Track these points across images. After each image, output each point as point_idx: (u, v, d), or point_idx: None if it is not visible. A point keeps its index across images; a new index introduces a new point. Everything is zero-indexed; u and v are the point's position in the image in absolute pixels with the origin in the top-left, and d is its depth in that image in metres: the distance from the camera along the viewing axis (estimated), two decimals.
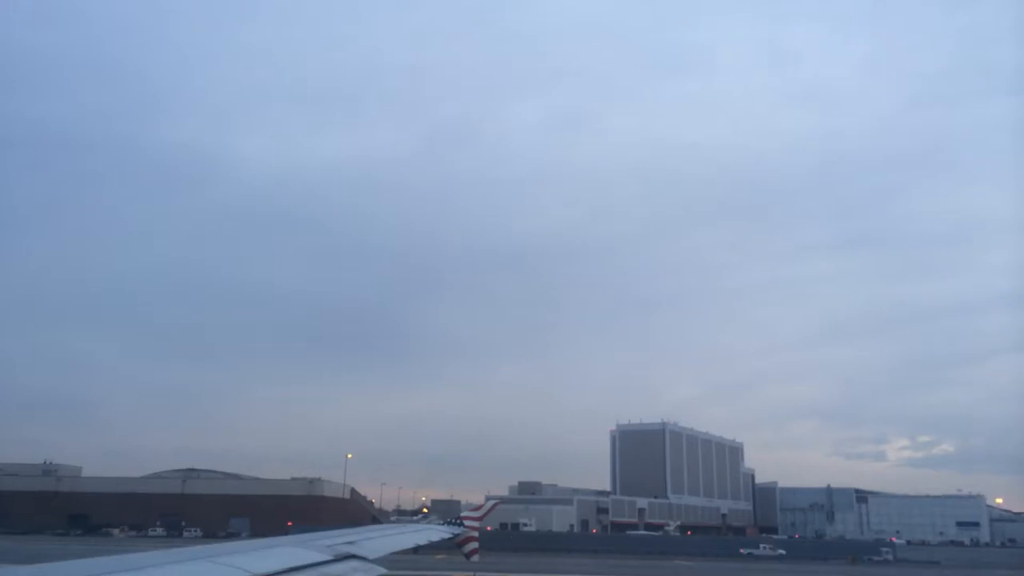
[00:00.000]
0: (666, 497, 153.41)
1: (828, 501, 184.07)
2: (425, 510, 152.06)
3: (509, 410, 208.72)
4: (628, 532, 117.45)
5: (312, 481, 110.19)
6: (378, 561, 7.71)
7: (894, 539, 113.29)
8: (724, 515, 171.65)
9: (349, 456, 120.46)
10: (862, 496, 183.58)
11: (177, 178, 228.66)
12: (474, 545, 15.65)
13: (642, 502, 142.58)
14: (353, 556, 7.51)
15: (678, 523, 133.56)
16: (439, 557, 51.17)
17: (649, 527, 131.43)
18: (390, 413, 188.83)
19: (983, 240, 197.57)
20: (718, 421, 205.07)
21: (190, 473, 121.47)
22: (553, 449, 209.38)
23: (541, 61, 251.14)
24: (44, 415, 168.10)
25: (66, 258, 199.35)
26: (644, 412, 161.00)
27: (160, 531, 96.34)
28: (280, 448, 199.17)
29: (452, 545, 15.50)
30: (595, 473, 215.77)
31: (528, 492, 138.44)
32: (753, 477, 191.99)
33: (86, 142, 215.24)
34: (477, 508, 18.02)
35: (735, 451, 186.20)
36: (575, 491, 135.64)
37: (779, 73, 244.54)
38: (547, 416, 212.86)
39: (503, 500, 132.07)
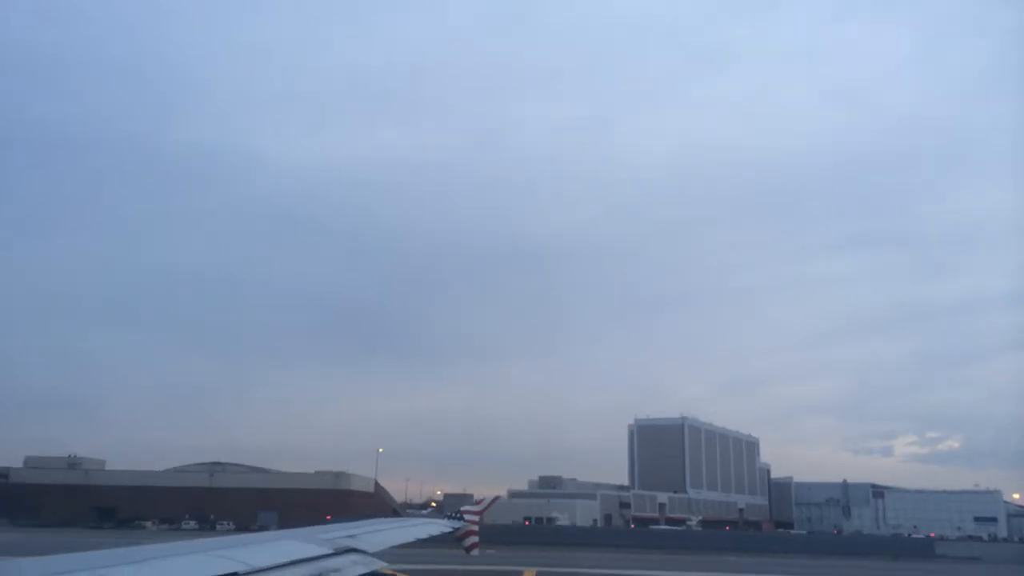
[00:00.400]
0: (685, 492, 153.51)
1: (844, 496, 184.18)
2: (433, 504, 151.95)
3: (523, 406, 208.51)
4: (652, 527, 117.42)
5: (339, 475, 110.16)
6: (378, 555, 7.73)
7: (933, 535, 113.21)
8: (741, 510, 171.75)
9: (380, 451, 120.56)
10: (878, 491, 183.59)
11: (192, 176, 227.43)
12: (474, 539, 15.63)
13: (662, 497, 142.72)
14: (353, 550, 7.52)
15: (700, 518, 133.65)
16: (439, 551, 51.09)
17: (670, 522, 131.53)
18: (407, 410, 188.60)
19: (999, 239, 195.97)
20: (726, 418, 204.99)
21: (215, 467, 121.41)
22: (566, 444, 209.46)
23: (552, 61, 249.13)
24: (56, 412, 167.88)
25: (77, 256, 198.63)
26: (652, 408, 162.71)
27: (193, 524, 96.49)
28: (297, 444, 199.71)
29: (453, 539, 15.41)
30: (607, 468, 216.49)
31: (549, 486, 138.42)
32: (769, 472, 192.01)
33: (87, 141, 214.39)
34: (478, 502, 17.99)
35: (751, 446, 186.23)
36: (598, 486, 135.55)
37: (793, 73, 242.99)
38: (560, 412, 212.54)
39: (525, 495, 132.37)
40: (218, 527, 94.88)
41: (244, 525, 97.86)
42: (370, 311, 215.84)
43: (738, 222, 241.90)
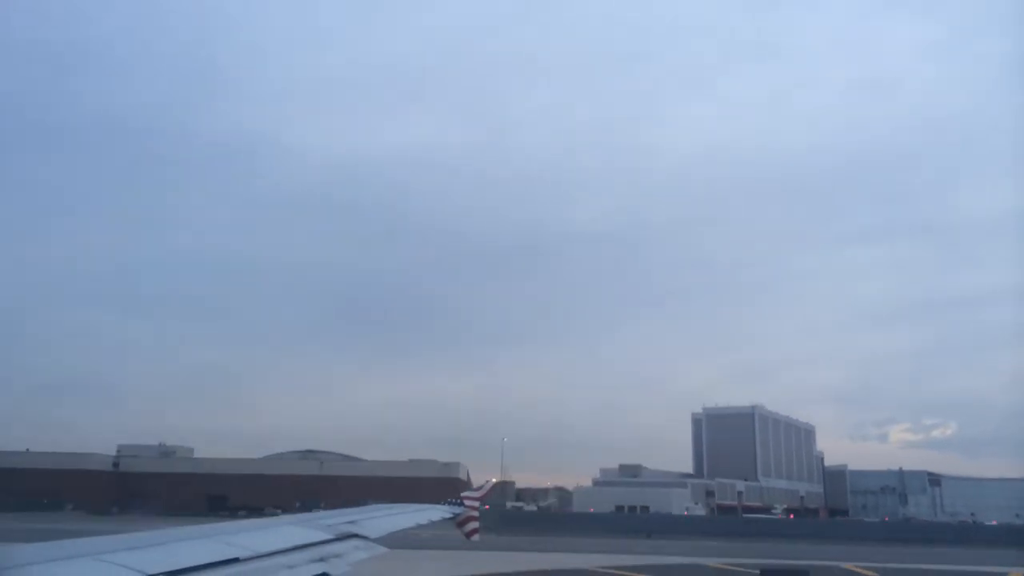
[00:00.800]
0: (756, 480, 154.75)
1: (900, 484, 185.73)
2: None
3: (565, 396, 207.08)
4: (746, 515, 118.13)
5: (447, 464, 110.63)
6: (379, 540, 7.83)
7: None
8: (802, 497, 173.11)
9: (505, 440, 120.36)
10: (934, 479, 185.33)
11: (228, 163, 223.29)
12: (474, 525, 15.73)
13: (740, 485, 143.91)
14: (355, 535, 7.62)
15: (784, 506, 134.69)
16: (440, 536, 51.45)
17: (747, 510, 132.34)
18: (422, 399, 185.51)
19: (1003, 233, 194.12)
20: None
21: (308, 454, 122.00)
22: (613, 433, 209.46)
23: (574, 57, 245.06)
24: (80, 399, 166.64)
25: (89, 242, 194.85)
26: (666, 396, 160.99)
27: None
28: (352, 431, 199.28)
29: (453, 524, 15.68)
30: (658, 455, 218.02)
31: (629, 474, 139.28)
32: (822, 459, 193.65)
33: (137, 129, 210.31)
34: (478, 488, 18.28)
35: (808, 433, 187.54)
36: (684, 475, 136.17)
37: (800, 72, 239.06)
38: (604, 402, 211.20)
39: (614, 483, 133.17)
40: None
41: None
42: (391, 297, 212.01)
43: (744, 218, 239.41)
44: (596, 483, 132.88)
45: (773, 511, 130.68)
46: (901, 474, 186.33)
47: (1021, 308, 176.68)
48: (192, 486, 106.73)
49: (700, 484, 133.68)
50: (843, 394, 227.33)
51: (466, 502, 15.80)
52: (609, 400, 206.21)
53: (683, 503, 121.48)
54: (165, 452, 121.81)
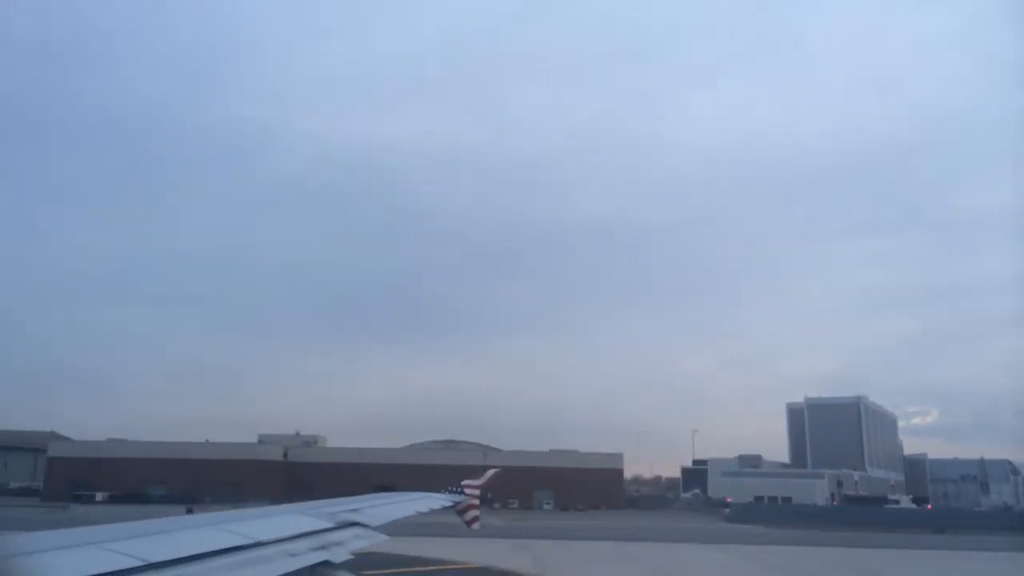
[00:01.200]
0: (864, 470, 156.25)
1: (982, 472, 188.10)
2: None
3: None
4: (887, 506, 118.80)
5: (611, 455, 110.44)
6: (380, 528, 7.92)
7: None
8: (892, 486, 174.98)
9: (696, 431, 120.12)
10: (1014, 468, 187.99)
11: (228, 161, 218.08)
12: (475, 513, 15.87)
13: (855, 475, 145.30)
14: (356, 523, 7.70)
15: (910, 496, 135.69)
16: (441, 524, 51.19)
17: (862, 500, 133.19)
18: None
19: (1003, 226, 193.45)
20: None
21: (450, 444, 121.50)
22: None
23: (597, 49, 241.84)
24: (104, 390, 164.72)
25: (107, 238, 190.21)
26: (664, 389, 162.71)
27: (497, 505, 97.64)
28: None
29: (454, 512, 15.71)
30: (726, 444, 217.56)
31: (749, 465, 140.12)
32: (902, 448, 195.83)
33: (137, 128, 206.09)
34: (479, 476, 18.60)
35: (893, 423, 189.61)
36: (784, 466, 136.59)
37: (808, 69, 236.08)
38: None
39: (740, 473, 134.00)
40: (510, 505, 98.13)
41: (528, 505, 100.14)
42: (392, 295, 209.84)
43: (744, 218, 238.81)
44: (725, 474, 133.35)
45: (900, 500, 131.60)
46: (983, 463, 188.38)
47: (1010, 300, 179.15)
48: (351, 475, 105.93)
49: (833, 475, 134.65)
50: (833, 382, 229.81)
51: (467, 490, 15.88)
52: (621, 395, 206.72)
53: (822, 494, 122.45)
54: (306, 442, 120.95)
